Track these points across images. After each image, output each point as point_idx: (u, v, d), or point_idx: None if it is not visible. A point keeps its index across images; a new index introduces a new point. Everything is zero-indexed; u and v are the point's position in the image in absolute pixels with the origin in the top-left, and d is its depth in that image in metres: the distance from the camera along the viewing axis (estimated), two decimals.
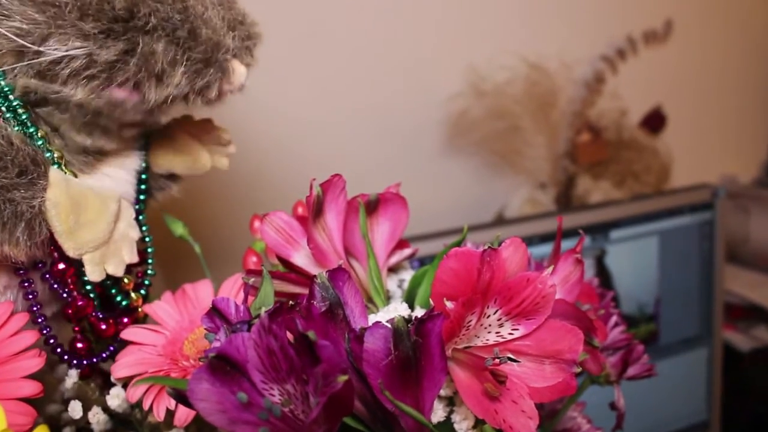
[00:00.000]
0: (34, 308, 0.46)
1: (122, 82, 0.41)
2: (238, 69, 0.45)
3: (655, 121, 1.20)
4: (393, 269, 0.48)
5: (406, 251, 0.46)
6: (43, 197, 0.41)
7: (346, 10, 1.05)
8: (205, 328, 0.37)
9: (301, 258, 0.42)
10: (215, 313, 0.36)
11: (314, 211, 0.40)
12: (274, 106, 1.00)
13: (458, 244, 0.42)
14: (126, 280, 0.49)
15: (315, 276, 0.34)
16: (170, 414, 0.41)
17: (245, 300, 0.37)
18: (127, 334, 0.46)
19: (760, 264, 1.33)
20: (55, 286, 0.46)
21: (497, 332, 0.35)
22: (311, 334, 0.29)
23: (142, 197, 0.51)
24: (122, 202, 0.46)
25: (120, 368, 0.44)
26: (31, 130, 0.43)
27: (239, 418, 0.30)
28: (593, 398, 0.54)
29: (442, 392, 0.37)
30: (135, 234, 0.47)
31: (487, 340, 0.35)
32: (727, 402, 1.04)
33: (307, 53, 1.02)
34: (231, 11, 0.45)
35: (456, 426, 0.37)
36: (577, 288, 0.40)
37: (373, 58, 1.08)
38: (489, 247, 0.33)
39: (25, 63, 0.40)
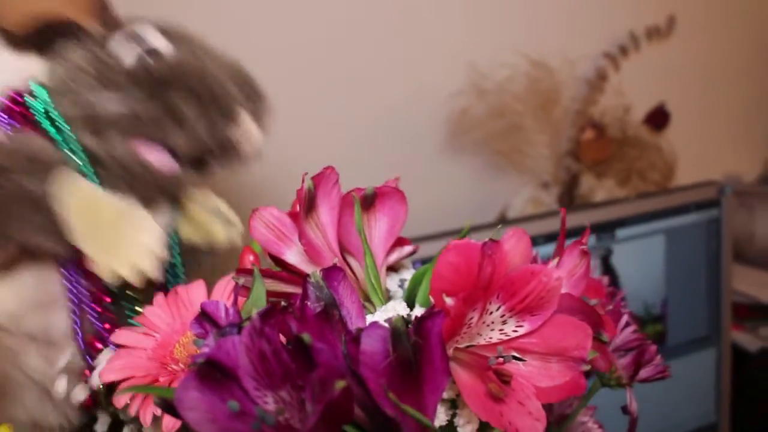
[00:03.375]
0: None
1: (150, 130, 0.48)
2: (247, 121, 0.50)
3: (658, 119, 1.18)
4: (394, 269, 0.46)
5: (407, 249, 0.44)
6: (53, 184, 0.44)
7: (346, 7, 1.03)
8: (194, 334, 0.35)
9: (294, 255, 0.39)
10: (204, 317, 0.34)
11: (306, 205, 0.38)
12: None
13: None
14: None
15: (308, 275, 0.32)
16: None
17: (234, 301, 0.35)
18: (117, 337, 0.45)
19: (767, 262, 1.31)
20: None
21: (501, 329, 0.33)
22: (306, 336, 0.27)
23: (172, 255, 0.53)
24: (148, 218, 0.48)
25: (108, 372, 0.42)
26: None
27: (231, 428, 0.28)
28: (604, 401, 0.52)
29: (444, 395, 0.35)
30: (158, 251, 0.46)
31: (491, 338, 0.33)
32: (736, 403, 1.02)
33: (306, 52, 1.00)
34: (247, 87, 0.52)
35: (460, 429, 0.34)
36: (583, 281, 0.38)
37: (373, 56, 1.06)
38: (490, 239, 0.31)
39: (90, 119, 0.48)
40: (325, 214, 0.39)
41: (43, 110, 0.48)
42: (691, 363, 0.98)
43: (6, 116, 0.48)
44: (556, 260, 0.34)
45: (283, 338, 0.29)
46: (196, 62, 0.50)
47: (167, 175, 0.50)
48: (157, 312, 0.45)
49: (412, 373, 0.29)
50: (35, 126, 0.48)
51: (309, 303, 0.31)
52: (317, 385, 0.26)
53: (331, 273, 0.33)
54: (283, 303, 0.31)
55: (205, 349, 0.30)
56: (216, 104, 0.49)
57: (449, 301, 0.30)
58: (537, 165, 1.13)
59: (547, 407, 0.33)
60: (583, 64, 1.13)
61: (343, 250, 0.40)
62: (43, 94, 0.49)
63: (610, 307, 0.46)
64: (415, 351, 0.29)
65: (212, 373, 0.28)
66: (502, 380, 0.31)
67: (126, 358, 0.42)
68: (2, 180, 0.43)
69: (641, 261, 0.94)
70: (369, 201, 0.40)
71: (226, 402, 0.27)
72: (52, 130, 0.48)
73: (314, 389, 0.27)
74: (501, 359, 0.32)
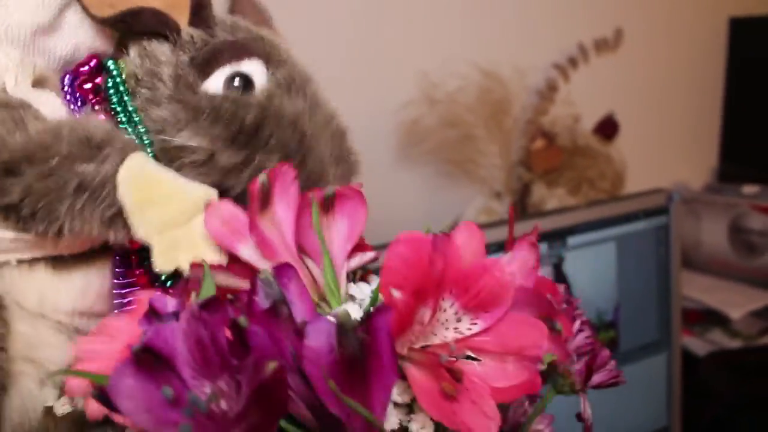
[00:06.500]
0: None
1: (229, 188, 0.43)
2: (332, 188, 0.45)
3: (608, 129, 1.20)
4: (365, 279, 0.45)
5: (369, 254, 0.42)
6: (115, 167, 0.40)
7: (294, 17, 1.02)
8: (142, 330, 0.34)
9: (248, 251, 0.38)
10: (152, 313, 0.33)
11: (260, 200, 0.37)
12: None
13: None
14: None
15: (258, 271, 0.31)
16: None
17: (181, 294, 0.34)
18: (77, 346, 0.41)
19: (713, 268, 1.34)
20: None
21: (455, 327, 0.33)
22: (242, 319, 0.26)
23: None
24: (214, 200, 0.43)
25: (76, 383, 0.39)
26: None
27: (166, 418, 0.27)
28: (558, 409, 0.51)
29: (400, 399, 0.34)
30: None
31: (446, 337, 0.33)
32: (686, 407, 1.03)
33: None
34: (340, 147, 0.48)
35: None
36: (533, 274, 0.37)
37: (323, 66, 1.05)
38: (441, 232, 0.31)
39: (160, 138, 0.43)
40: (283, 211, 0.38)
41: (113, 89, 0.45)
42: (643, 368, 0.99)
43: (71, 83, 0.45)
44: (509, 254, 0.34)
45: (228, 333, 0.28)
46: (295, 120, 0.45)
47: None
48: (119, 320, 0.42)
49: (358, 370, 0.28)
50: (102, 102, 0.45)
51: (257, 299, 0.30)
52: (251, 369, 0.26)
53: (282, 270, 0.32)
54: (229, 296, 0.30)
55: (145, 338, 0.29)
56: (310, 181, 0.44)
57: (397, 294, 0.29)
58: (489, 175, 1.14)
59: (502, 415, 0.32)
60: (533, 74, 1.15)
61: (302, 251, 0.39)
62: (118, 75, 0.45)
63: (564, 306, 0.45)
64: (362, 347, 0.28)
65: (149, 360, 0.27)
66: (455, 378, 0.31)
67: (91, 365, 0.39)
68: (55, 165, 0.39)
69: (593, 268, 0.94)
70: (328, 203, 0.39)
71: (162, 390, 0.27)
72: (120, 110, 0.44)
73: (247, 373, 0.26)
74: (453, 358, 0.31)
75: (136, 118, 0.44)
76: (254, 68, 0.46)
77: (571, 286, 0.92)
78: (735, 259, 1.31)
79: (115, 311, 0.44)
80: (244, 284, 0.37)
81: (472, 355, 0.32)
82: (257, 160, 0.43)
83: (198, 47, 0.45)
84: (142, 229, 0.40)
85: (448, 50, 1.10)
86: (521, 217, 1.08)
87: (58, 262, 0.44)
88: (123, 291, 0.44)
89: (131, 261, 0.44)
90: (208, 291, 0.34)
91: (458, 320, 0.33)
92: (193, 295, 0.34)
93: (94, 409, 0.38)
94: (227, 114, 0.43)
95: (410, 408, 0.34)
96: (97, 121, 0.43)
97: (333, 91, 1.05)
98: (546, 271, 0.90)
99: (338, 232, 0.39)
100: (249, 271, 0.38)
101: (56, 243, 0.42)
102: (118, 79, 0.45)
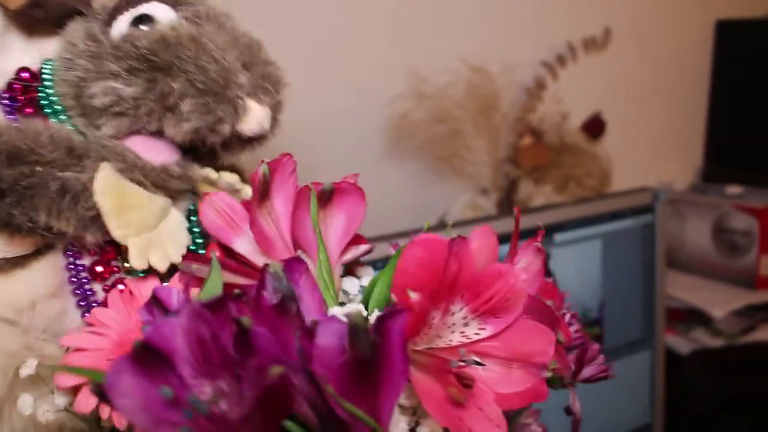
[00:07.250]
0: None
1: (138, 118, 0.44)
2: (254, 108, 0.45)
3: (594, 127, 1.20)
4: (354, 272, 0.44)
5: (362, 247, 0.42)
6: (91, 176, 0.43)
7: (283, 13, 1.02)
8: (142, 321, 0.33)
9: (244, 245, 0.38)
10: (155, 303, 0.33)
11: (260, 192, 0.36)
12: None
13: None
14: None
15: (267, 264, 0.30)
16: None
17: (186, 288, 0.33)
18: (66, 340, 0.42)
19: (696, 268, 1.35)
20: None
21: (462, 332, 0.32)
22: (245, 320, 0.25)
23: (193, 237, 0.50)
24: (173, 209, 0.46)
25: (68, 377, 0.39)
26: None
27: (164, 418, 0.26)
28: (546, 402, 0.51)
29: (406, 402, 0.33)
30: (184, 239, 0.45)
31: (451, 340, 0.32)
32: (668, 405, 1.04)
33: None
34: (251, 54, 0.47)
35: None
36: (538, 280, 0.37)
37: (312, 59, 1.05)
38: (458, 236, 0.30)
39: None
40: (281, 204, 0.37)
41: (45, 93, 0.47)
42: (627, 365, 0.99)
43: (7, 97, 0.46)
44: (523, 261, 0.34)
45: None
46: (195, 37, 0.45)
47: (162, 168, 0.46)
48: (108, 312, 0.43)
49: (368, 374, 0.28)
50: (37, 108, 0.46)
51: (266, 294, 0.29)
52: (254, 372, 0.25)
53: (292, 265, 0.31)
54: (237, 291, 0.30)
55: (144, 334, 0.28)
56: (214, 91, 0.44)
57: (414, 296, 0.28)
58: (476, 171, 1.13)
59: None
60: (521, 71, 1.15)
61: (296, 245, 0.38)
62: (48, 75, 0.47)
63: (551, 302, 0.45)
64: (374, 350, 0.27)
65: (148, 357, 0.26)
66: (464, 384, 0.30)
67: (83, 360, 0.40)
68: (44, 171, 0.42)
69: (579, 265, 0.95)
70: (326, 197, 0.38)
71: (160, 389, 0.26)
72: (51, 112, 0.46)
73: (251, 376, 0.25)
74: (463, 363, 0.31)
75: (59, 110, 0.46)
76: (156, 9, 0.46)
77: (558, 282, 0.93)
78: (718, 259, 1.32)
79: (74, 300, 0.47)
80: (235, 279, 0.37)
81: (477, 360, 0.32)
82: (160, 81, 0.44)
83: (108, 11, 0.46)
84: (120, 230, 0.43)
85: (437, 45, 1.10)
86: (508, 213, 1.08)
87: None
88: (79, 279, 0.46)
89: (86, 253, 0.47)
90: (214, 285, 0.33)
91: (465, 324, 0.32)
92: (196, 290, 0.33)
93: (83, 403, 0.39)
94: (124, 49, 0.44)
95: (415, 411, 0.33)
96: (72, 131, 0.45)
97: (322, 86, 1.05)
98: None
99: (334, 227, 0.39)
100: (241, 265, 0.37)
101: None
102: (46, 83, 0.47)
